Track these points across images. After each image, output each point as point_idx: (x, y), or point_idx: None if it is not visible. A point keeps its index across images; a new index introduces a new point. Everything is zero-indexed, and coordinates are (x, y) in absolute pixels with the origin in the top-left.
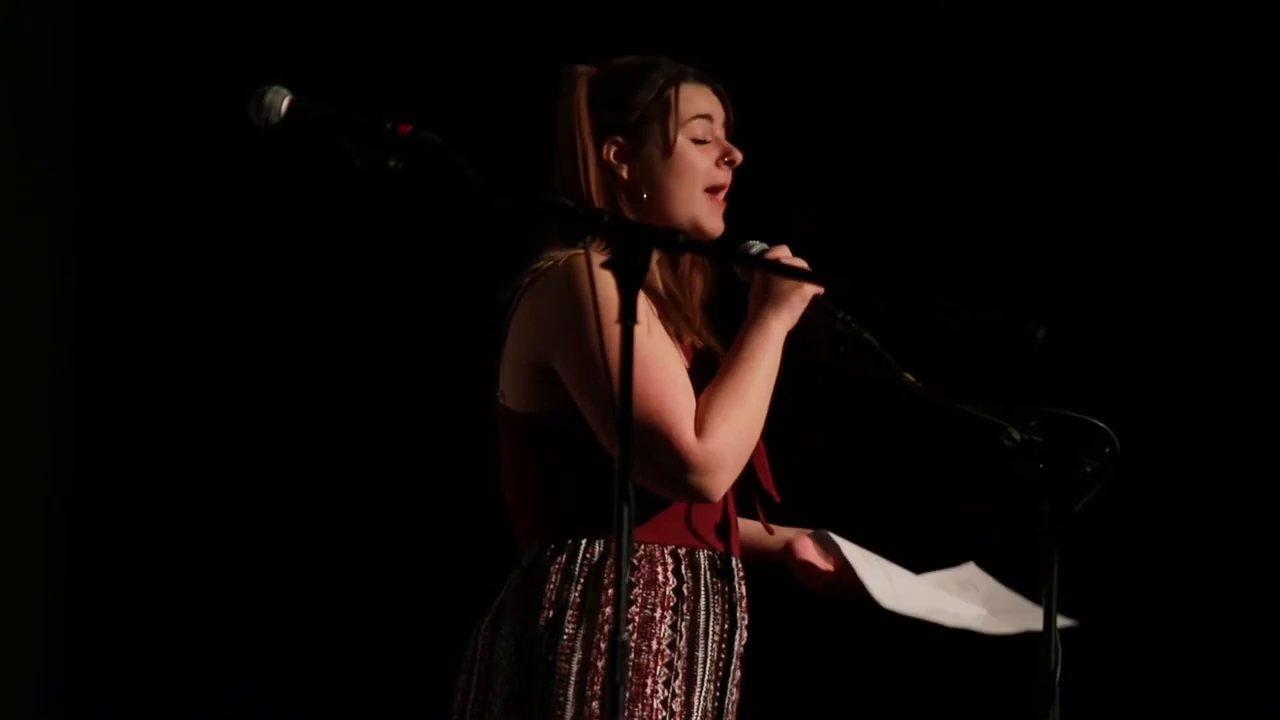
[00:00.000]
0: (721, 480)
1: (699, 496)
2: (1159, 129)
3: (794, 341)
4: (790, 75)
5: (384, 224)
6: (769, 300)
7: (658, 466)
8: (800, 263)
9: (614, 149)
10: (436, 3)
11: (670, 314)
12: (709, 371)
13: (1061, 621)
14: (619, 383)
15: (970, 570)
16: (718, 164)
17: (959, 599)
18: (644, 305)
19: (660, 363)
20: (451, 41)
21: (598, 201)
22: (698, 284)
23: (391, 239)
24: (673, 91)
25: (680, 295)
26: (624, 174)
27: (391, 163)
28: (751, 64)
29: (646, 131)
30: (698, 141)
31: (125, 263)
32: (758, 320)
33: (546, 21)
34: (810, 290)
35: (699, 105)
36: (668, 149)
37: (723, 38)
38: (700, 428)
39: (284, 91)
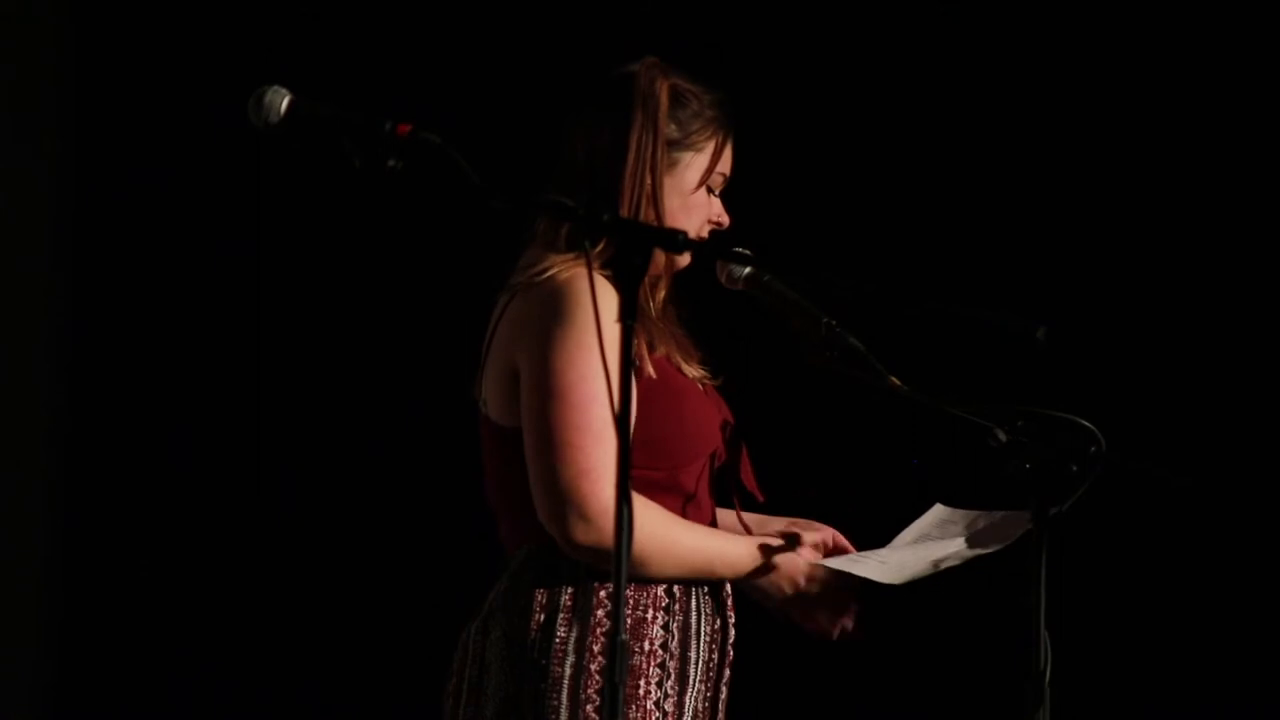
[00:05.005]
0: (598, 537)
1: (575, 543)
2: (1158, 129)
3: (785, 347)
4: (790, 75)
5: (383, 224)
6: (778, 582)
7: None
8: None
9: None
10: (436, 3)
11: (646, 325)
12: (676, 385)
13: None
14: (620, 380)
15: (940, 511)
16: (709, 219)
17: (944, 541)
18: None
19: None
20: (451, 41)
21: (629, 195)
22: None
23: (390, 239)
24: (719, 140)
25: (647, 304)
26: (647, 181)
27: (391, 162)
28: (751, 63)
29: (683, 160)
30: (710, 190)
31: (124, 263)
32: (759, 583)
33: (545, 22)
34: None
35: (727, 163)
36: (693, 189)
37: (722, 38)
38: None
39: (283, 91)
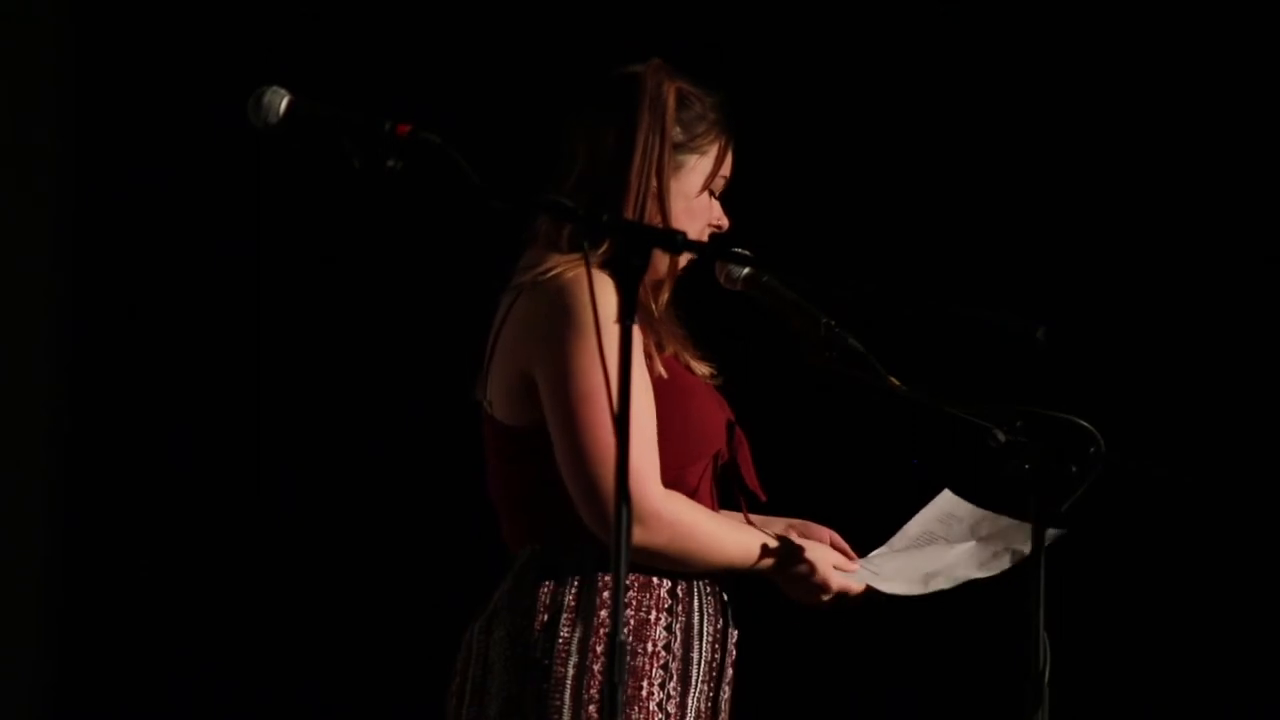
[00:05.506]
0: (652, 538)
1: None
2: (1158, 129)
3: (785, 347)
4: (790, 75)
5: (383, 224)
6: (788, 585)
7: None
8: None
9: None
10: (436, 3)
11: (654, 325)
12: (684, 384)
13: (1051, 534)
14: (619, 379)
15: (947, 500)
16: (710, 222)
17: (946, 542)
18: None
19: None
20: (451, 41)
21: (634, 196)
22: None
23: (390, 239)
24: (722, 144)
25: (650, 305)
26: (653, 184)
27: (390, 162)
28: (751, 63)
29: (687, 163)
30: (711, 194)
31: (124, 263)
32: (775, 574)
33: (544, 22)
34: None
35: (728, 167)
36: (696, 193)
37: (722, 38)
38: (669, 501)
39: (282, 92)
